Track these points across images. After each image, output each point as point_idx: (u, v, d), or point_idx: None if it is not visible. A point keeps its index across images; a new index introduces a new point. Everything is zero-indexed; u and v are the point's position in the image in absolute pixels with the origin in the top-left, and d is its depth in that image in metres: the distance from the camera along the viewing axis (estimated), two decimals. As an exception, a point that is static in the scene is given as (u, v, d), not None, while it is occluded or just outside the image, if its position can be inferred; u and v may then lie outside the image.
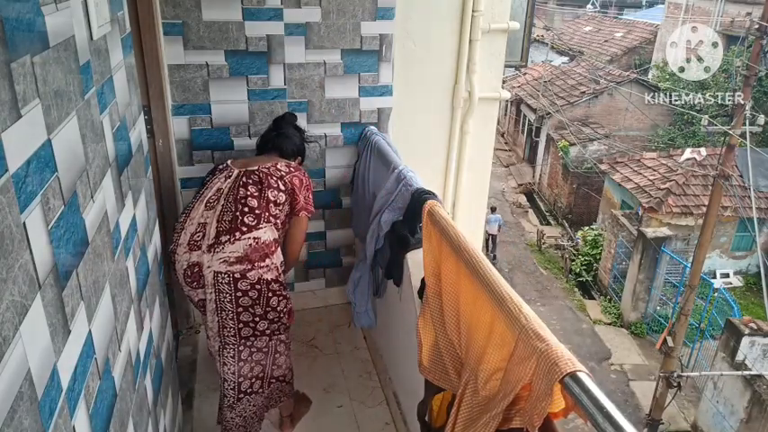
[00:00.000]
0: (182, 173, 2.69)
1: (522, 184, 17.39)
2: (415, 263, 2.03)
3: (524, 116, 18.27)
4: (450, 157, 3.25)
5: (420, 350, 1.70)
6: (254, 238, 1.95)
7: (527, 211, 16.18)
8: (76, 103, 1.10)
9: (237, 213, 1.97)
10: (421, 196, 1.96)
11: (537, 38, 20.58)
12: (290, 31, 2.59)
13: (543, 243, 14.05)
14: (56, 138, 0.96)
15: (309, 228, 3.00)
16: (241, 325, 2.01)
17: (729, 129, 8.03)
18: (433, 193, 1.97)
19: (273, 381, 2.18)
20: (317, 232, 3.05)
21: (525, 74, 18.67)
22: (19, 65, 0.82)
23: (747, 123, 8.35)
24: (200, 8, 2.44)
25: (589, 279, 12.58)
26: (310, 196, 2.20)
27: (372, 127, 2.86)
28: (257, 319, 2.02)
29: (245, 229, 1.95)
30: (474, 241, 3.24)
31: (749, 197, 10.19)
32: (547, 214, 15.95)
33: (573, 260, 13.02)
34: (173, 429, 2.03)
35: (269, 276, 1.98)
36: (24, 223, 0.81)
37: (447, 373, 1.60)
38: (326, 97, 2.75)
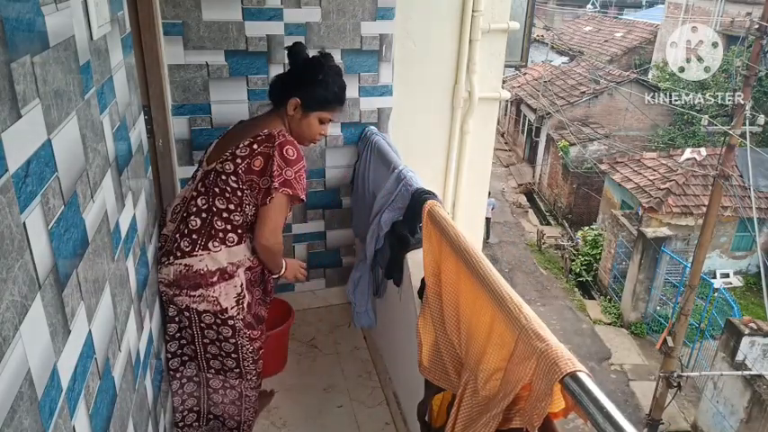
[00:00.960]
0: (182, 173, 2.69)
1: (522, 184, 17.39)
2: (415, 263, 2.02)
3: (524, 116, 18.27)
4: (450, 157, 3.25)
5: (420, 350, 1.70)
6: (186, 265, 1.77)
7: (527, 211, 16.18)
8: (76, 103, 1.10)
9: (177, 235, 1.81)
10: (421, 196, 1.96)
11: (537, 38, 20.57)
12: (290, 31, 2.59)
13: (543, 243, 14.04)
14: (56, 138, 0.96)
15: (309, 228, 3.00)
16: (169, 355, 1.93)
17: (729, 129, 8.03)
18: (433, 193, 1.97)
19: (212, 417, 2.04)
20: (317, 232, 3.05)
21: (525, 74, 18.67)
22: (19, 65, 0.82)
23: (747, 123, 8.35)
24: (200, 8, 2.44)
25: (589, 279, 12.58)
26: (290, 172, 1.74)
27: (372, 127, 2.86)
28: (179, 350, 1.92)
29: (179, 254, 1.78)
30: (474, 241, 3.23)
31: (749, 197, 10.19)
32: (547, 214, 15.95)
33: (573, 260, 13.02)
34: (173, 429, 2.03)
35: (201, 307, 1.79)
36: (24, 223, 0.81)
37: (447, 373, 1.60)
38: (326, 97, 2.75)
